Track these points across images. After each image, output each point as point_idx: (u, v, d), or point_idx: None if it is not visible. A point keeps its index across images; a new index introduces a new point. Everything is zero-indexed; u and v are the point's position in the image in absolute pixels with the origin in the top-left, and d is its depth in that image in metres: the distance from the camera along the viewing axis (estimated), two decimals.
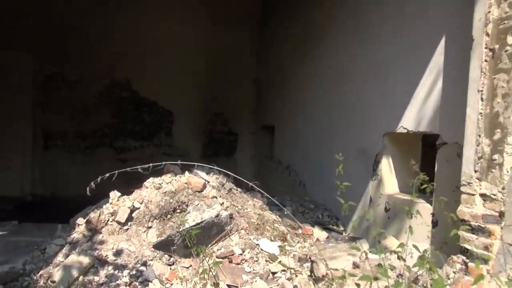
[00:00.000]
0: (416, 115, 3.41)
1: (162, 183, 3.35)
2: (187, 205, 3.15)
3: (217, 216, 3.08)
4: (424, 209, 3.11)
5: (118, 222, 3.03)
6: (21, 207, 6.20)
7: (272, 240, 3.25)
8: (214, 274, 2.33)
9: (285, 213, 3.74)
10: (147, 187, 3.35)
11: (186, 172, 3.58)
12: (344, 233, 4.44)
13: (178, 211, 3.12)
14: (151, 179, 3.44)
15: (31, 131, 6.76)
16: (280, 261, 2.88)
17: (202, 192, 3.27)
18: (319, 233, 3.96)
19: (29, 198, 6.58)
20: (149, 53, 7.32)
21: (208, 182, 3.47)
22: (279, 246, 3.15)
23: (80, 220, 3.13)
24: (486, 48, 2.48)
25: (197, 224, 2.99)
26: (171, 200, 3.18)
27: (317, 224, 4.46)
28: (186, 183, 3.33)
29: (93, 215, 3.04)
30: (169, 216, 3.10)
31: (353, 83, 4.43)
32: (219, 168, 3.71)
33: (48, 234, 3.49)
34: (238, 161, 8.08)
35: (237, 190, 3.75)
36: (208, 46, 7.68)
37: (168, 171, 3.59)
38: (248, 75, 7.94)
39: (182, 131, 7.65)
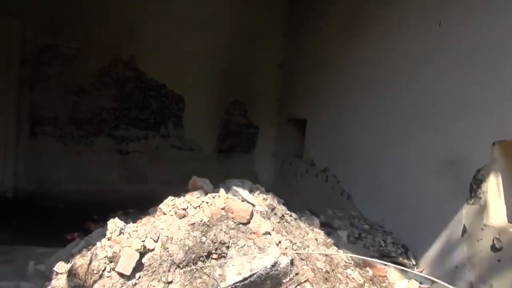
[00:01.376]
0: None
1: (187, 208, 2.23)
2: (227, 247, 2.05)
3: (274, 265, 2.00)
4: None
5: (120, 274, 1.91)
6: (0, 205, 5.10)
7: None
8: None
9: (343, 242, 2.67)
10: (164, 213, 2.25)
11: (222, 190, 2.46)
12: (416, 268, 3.38)
13: (214, 256, 2.02)
14: (170, 200, 2.34)
15: (15, 114, 5.62)
16: None
17: (249, 224, 2.17)
18: (395, 277, 2.89)
19: (10, 195, 5.48)
20: (159, 27, 6.15)
21: (254, 205, 2.36)
22: None
23: (61, 267, 2.02)
24: None
25: (245, 279, 1.90)
26: (203, 238, 2.07)
27: (383, 255, 3.39)
28: (224, 209, 2.22)
29: (80, 262, 1.93)
30: (200, 264, 2.00)
31: (439, 70, 3.30)
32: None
33: (13, 272, 2.38)
34: (257, 158, 6.97)
35: (290, 215, 2.65)
36: (228, 22, 6.51)
37: (195, 186, 2.48)
38: (273, 59, 6.78)
39: (194, 121, 6.52)
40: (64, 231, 4.28)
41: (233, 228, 2.10)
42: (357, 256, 2.76)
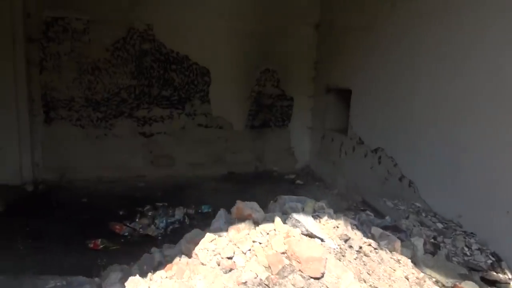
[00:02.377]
0: None
1: (234, 254, 1.60)
2: None
3: None
4: None
5: None
6: (19, 201, 4.68)
7: None
8: None
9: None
10: (203, 263, 1.61)
11: (277, 219, 1.81)
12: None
13: None
14: (208, 241, 1.70)
15: (26, 98, 5.07)
16: None
17: (324, 278, 1.53)
18: None
19: (30, 188, 5.04)
20: None
21: (324, 240, 1.71)
22: None
23: None
24: None
25: None
26: None
27: (470, 268, 2.72)
28: (285, 254, 1.58)
29: None
30: None
31: None
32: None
33: None
34: (293, 134, 6.28)
35: (368, 244, 1.98)
36: None
37: (240, 215, 1.86)
38: (307, 17, 5.91)
39: (222, 95, 5.83)
40: (86, 233, 3.82)
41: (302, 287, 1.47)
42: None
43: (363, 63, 4.71)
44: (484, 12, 2.99)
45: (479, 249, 2.91)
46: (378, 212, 3.65)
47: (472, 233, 3.09)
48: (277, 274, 1.51)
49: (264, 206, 2.46)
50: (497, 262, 2.80)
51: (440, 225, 3.24)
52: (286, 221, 1.82)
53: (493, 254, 2.85)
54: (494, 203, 2.92)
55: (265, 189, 5.47)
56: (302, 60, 6.02)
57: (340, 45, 5.26)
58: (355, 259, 1.76)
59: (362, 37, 4.69)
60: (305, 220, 1.81)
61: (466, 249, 2.92)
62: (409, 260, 2.06)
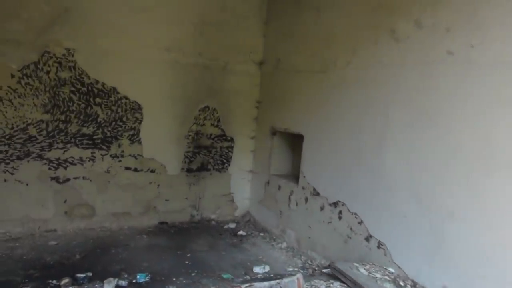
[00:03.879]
0: None
1: None
2: None
3: None
4: None
5: None
6: None
7: None
8: None
9: None
10: None
11: None
12: None
13: None
14: None
15: None
16: None
17: None
18: None
19: None
20: (105, 8, 4.59)
21: None
22: None
23: None
24: None
25: None
26: None
27: None
28: None
29: None
30: None
31: None
32: None
33: None
34: (233, 178, 5.72)
35: None
36: (195, 4, 5.11)
37: None
38: (250, 53, 5.53)
39: (155, 135, 5.09)
40: None
41: None
42: None
43: (318, 108, 4.41)
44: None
45: None
46: (347, 279, 3.24)
47: None
48: None
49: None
50: None
51: None
52: None
53: None
54: (485, 273, 2.69)
55: (205, 243, 4.81)
56: (244, 99, 5.58)
57: (289, 86, 4.93)
58: None
59: (318, 80, 4.41)
60: None
61: None
62: None
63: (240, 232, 5.27)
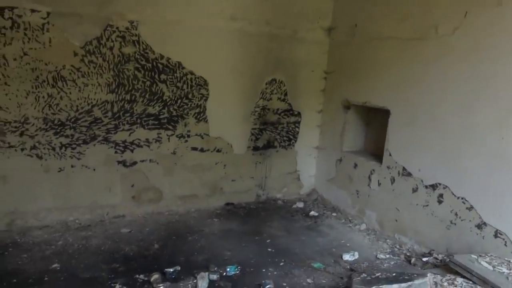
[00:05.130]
0: None
1: None
2: None
3: None
4: None
5: None
6: None
7: None
8: None
9: None
10: None
11: None
12: None
13: None
14: None
15: None
16: None
17: None
18: None
19: None
20: None
21: None
22: None
23: None
24: None
25: None
26: None
27: None
28: None
29: None
30: None
31: None
32: None
33: None
34: (299, 155, 5.38)
35: None
36: None
37: None
38: (318, 19, 5.02)
39: (221, 112, 4.73)
40: None
41: None
42: None
43: (411, 81, 3.94)
44: None
45: None
46: (473, 275, 2.91)
47: None
48: None
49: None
50: None
51: None
52: None
53: None
54: None
55: (280, 226, 4.55)
56: (311, 69, 5.13)
57: (370, 55, 4.45)
58: None
59: (411, 49, 3.92)
60: None
61: None
62: None
63: (312, 213, 4.98)
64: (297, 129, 5.26)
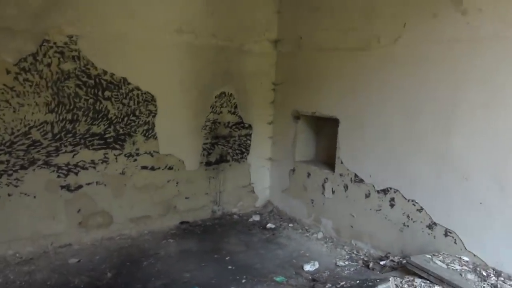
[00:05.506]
0: None
1: None
2: None
3: None
4: None
5: None
6: None
7: None
8: None
9: None
10: None
11: None
12: None
13: None
14: None
15: None
16: None
17: None
18: None
19: None
20: None
21: None
22: None
23: None
24: None
25: None
26: None
27: None
28: None
29: None
30: None
31: None
32: None
33: None
34: (253, 167, 5.35)
35: None
36: None
37: None
38: (265, 31, 5.08)
39: (172, 128, 4.59)
40: None
41: None
42: None
43: (358, 89, 4.08)
44: None
45: None
46: (430, 274, 3.03)
47: None
48: None
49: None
50: None
51: None
52: None
53: None
54: None
55: (238, 242, 4.47)
56: (260, 81, 5.16)
57: (317, 66, 4.55)
58: None
59: (356, 59, 4.06)
60: None
61: None
62: None
63: (269, 225, 4.95)
64: (249, 141, 5.23)
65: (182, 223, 4.85)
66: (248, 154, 5.26)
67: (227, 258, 4.03)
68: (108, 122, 4.16)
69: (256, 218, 5.18)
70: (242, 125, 5.14)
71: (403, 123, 3.65)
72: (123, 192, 4.38)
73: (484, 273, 3.02)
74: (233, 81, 4.93)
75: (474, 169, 3.16)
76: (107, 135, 4.18)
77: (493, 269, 3.07)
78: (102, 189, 4.25)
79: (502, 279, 2.92)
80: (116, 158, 4.27)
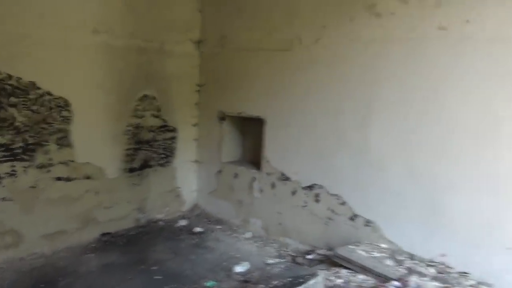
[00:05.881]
0: None
1: None
2: None
3: None
4: None
5: None
6: None
7: None
8: None
9: None
10: None
11: None
12: None
13: None
14: None
15: None
16: None
17: None
18: None
19: None
20: None
21: None
22: None
23: None
24: None
25: None
26: None
27: None
28: None
29: None
30: None
31: None
32: None
33: None
34: (178, 171, 5.21)
35: None
36: None
37: None
38: (187, 31, 4.98)
39: (89, 134, 4.28)
40: None
41: None
42: None
43: (282, 89, 4.17)
44: None
45: None
46: (354, 264, 3.19)
47: (464, 272, 3.01)
48: None
49: None
50: None
51: (432, 270, 3.04)
52: None
53: None
54: (490, 239, 2.88)
55: (166, 249, 4.32)
56: (184, 83, 5.04)
57: (241, 66, 4.58)
58: None
59: (279, 59, 4.15)
60: None
61: None
62: None
63: (197, 229, 4.85)
64: (174, 145, 5.09)
65: (103, 235, 4.56)
66: (173, 157, 5.11)
67: (154, 268, 3.86)
68: (15, 131, 3.75)
69: (184, 222, 5.06)
70: (166, 128, 4.97)
71: (326, 121, 3.81)
72: (34, 207, 3.99)
73: (400, 258, 3.26)
74: (155, 83, 4.76)
75: (389, 161, 3.39)
76: (14, 146, 3.77)
77: (408, 253, 3.32)
78: (9, 205, 3.82)
79: (415, 261, 3.18)
80: (25, 170, 3.87)
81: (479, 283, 2.86)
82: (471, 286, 2.82)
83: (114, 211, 4.63)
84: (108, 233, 4.59)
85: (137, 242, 4.47)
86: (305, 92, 3.95)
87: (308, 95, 3.93)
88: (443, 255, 3.12)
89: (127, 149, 4.63)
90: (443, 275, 2.97)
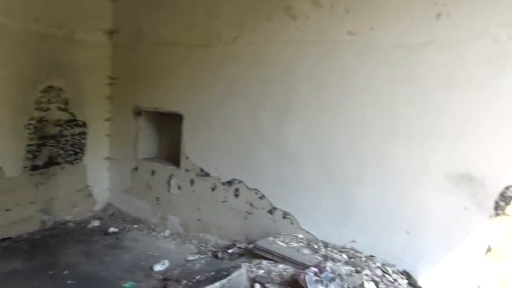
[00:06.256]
0: None
1: None
2: None
3: None
4: None
5: None
6: None
7: None
8: None
9: None
10: None
11: None
12: None
13: None
14: None
15: None
16: None
17: None
18: None
19: None
20: None
21: None
22: None
23: None
24: None
25: None
26: None
27: None
28: None
29: None
30: None
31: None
32: None
33: None
34: (89, 168, 4.89)
35: None
36: None
37: None
38: (98, 20, 4.70)
39: None
40: None
41: None
42: None
43: (201, 85, 4.16)
44: None
45: (392, 271, 3.16)
46: (274, 255, 3.33)
47: (371, 255, 3.32)
48: None
49: None
50: (409, 279, 3.14)
51: (345, 256, 3.30)
52: None
53: (404, 273, 3.17)
54: (390, 226, 3.22)
55: (78, 252, 4.07)
56: (95, 75, 4.75)
57: (159, 61, 4.45)
58: None
59: (199, 55, 4.12)
60: None
61: (386, 275, 3.10)
62: None
63: (111, 229, 4.62)
64: (83, 140, 4.76)
65: (3, 240, 4.11)
66: (83, 154, 4.79)
67: (65, 272, 3.60)
68: None
69: (96, 223, 4.78)
70: (75, 122, 4.63)
71: (247, 118, 3.88)
72: None
73: (316, 246, 3.48)
74: (62, 74, 4.40)
75: (305, 158, 3.59)
76: None
77: (323, 242, 3.56)
78: None
79: (329, 249, 3.42)
80: None
81: (384, 264, 3.19)
82: (377, 267, 3.13)
83: (15, 214, 4.20)
84: (8, 238, 4.15)
85: (43, 246, 4.11)
86: (226, 89, 3.99)
87: (229, 92, 3.97)
88: (353, 242, 3.41)
89: (29, 145, 4.22)
90: (353, 259, 3.25)
